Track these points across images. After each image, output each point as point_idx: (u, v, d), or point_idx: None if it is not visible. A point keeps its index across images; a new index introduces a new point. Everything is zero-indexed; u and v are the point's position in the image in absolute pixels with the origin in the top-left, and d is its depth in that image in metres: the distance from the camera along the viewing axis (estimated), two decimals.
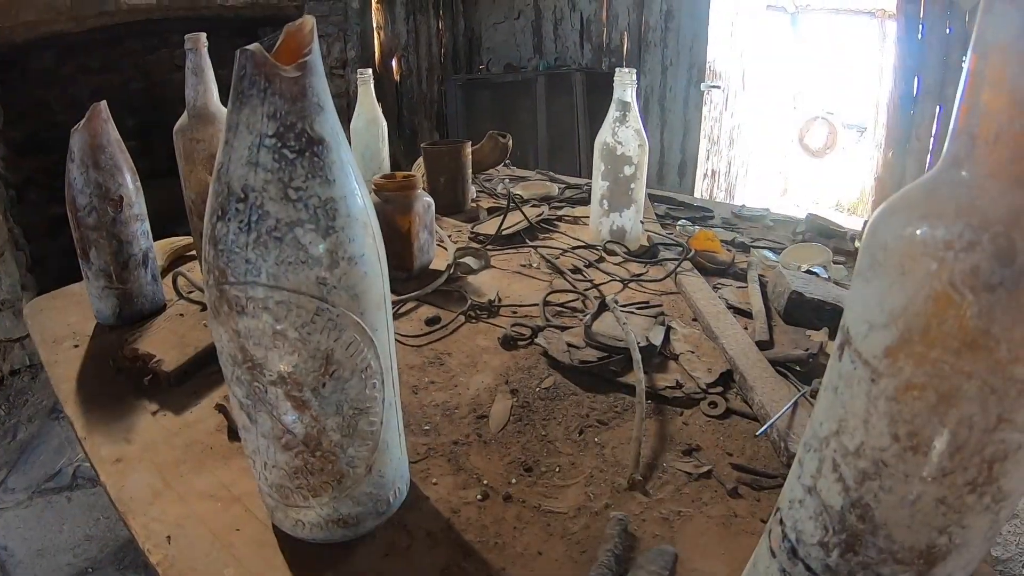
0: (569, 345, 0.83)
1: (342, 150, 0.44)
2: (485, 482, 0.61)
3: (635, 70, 1.16)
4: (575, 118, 3.56)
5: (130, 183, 0.89)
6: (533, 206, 1.51)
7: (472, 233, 1.33)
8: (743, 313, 0.95)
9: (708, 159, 3.55)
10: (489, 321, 0.95)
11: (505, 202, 1.39)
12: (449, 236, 1.28)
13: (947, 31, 2.60)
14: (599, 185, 1.23)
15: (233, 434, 0.68)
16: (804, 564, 0.36)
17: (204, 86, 0.90)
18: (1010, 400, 0.27)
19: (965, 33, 2.55)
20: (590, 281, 1.08)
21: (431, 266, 1.13)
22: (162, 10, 2.72)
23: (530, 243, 1.28)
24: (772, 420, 0.65)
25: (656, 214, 1.48)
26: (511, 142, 1.72)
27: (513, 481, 0.61)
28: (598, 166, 1.22)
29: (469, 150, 1.49)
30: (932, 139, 2.74)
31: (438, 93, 4.31)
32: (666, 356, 0.83)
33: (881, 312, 0.30)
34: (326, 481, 0.49)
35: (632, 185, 1.20)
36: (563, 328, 0.89)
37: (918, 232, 0.28)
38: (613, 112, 1.17)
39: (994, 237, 0.26)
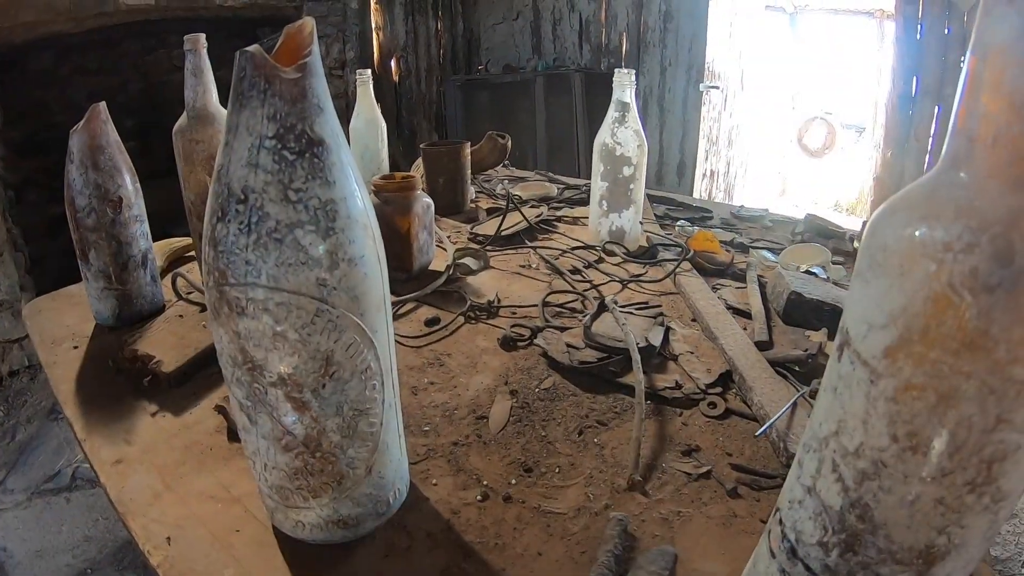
0: (568, 346, 0.83)
1: (342, 151, 0.44)
2: (485, 483, 0.61)
3: (634, 71, 1.16)
4: (574, 119, 3.56)
5: (129, 184, 0.89)
6: (532, 207, 1.51)
7: (471, 234, 1.33)
8: (742, 314, 0.95)
9: (707, 159, 3.55)
10: (488, 322, 0.95)
11: (504, 203, 1.39)
12: (448, 237, 1.28)
13: (945, 31, 2.61)
14: (598, 186, 1.23)
15: (233, 435, 0.68)
16: (804, 564, 0.37)
17: (203, 87, 0.90)
18: (1009, 400, 0.27)
19: (963, 33, 2.55)
20: (589, 282, 1.08)
21: (430, 267, 1.13)
22: (160, 11, 2.72)
23: (529, 244, 1.28)
24: (771, 420, 0.65)
25: (655, 215, 1.48)
26: (510, 143, 1.72)
27: (513, 482, 0.61)
28: (597, 167, 1.22)
29: (468, 151, 1.49)
30: (931, 139, 2.74)
31: (437, 94, 4.31)
32: (665, 357, 0.83)
33: (880, 313, 0.30)
34: (326, 482, 0.49)
35: (631, 186, 1.20)
36: (562, 329, 0.89)
37: (917, 233, 0.29)
38: (612, 113, 1.17)
39: (993, 238, 0.26)
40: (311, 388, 0.46)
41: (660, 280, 1.09)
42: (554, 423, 0.70)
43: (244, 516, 0.56)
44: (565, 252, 1.22)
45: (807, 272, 1.06)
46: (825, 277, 1.06)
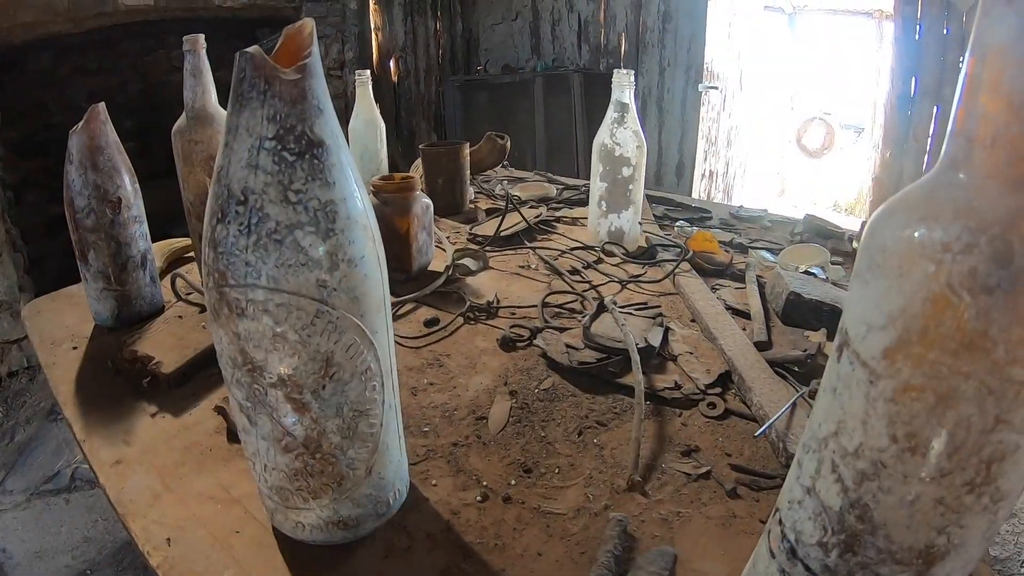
0: (568, 346, 0.83)
1: (342, 152, 0.44)
2: (484, 483, 0.61)
3: (633, 71, 1.16)
4: (573, 119, 3.56)
5: (128, 185, 0.89)
6: (531, 207, 1.51)
7: (470, 234, 1.33)
8: (741, 314, 0.95)
9: (706, 160, 3.55)
10: (488, 322, 0.95)
11: (503, 203, 1.39)
12: (447, 237, 1.28)
13: (944, 32, 2.61)
14: (597, 186, 1.23)
15: (232, 436, 0.68)
16: (803, 564, 0.37)
17: (202, 88, 0.90)
18: (1008, 401, 0.27)
19: (962, 34, 2.55)
20: (588, 282, 1.08)
21: (430, 267, 1.13)
22: (159, 11, 2.71)
23: (528, 244, 1.28)
24: (771, 421, 0.65)
25: (654, 215, 1.48)
26: (509, 143, 1.72)
27: (512, 482, 0.61)
28: (596, 167, 1.22)
29: (467, 151, 1.49)
30: (929, 139, 2.74)
31: (436, 94, 4.31)
32: (665, 357, 0.83)
33: (879, 314, 0.30)
34: (326, 483, 0.49)
35: (630, 186, 1.20)
36: (562, 329, 0.89)
37: (916, 234, 0.29)
38: (611, 113, 1.17)
39: (991, 239, 0.26)
40: (311, 389, 0.46)
41: (659, 280, 1.09)
42: (554, 424, 0.70)
43: (244, 517, 0.56)
44: (564, 253, 1.23)
45: (806, 272, 1.06)
46: (824, 277, 1.06)
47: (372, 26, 3.86)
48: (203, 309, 0.96)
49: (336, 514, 0.51)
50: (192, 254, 1.21)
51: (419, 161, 1.53)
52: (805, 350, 0.81)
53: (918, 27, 2.69)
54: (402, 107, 4.21)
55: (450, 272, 1.08)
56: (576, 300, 1.01)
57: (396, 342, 0.73)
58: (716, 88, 3.39)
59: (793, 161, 5.47)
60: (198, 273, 1.09)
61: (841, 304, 0.89)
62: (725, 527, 0.55)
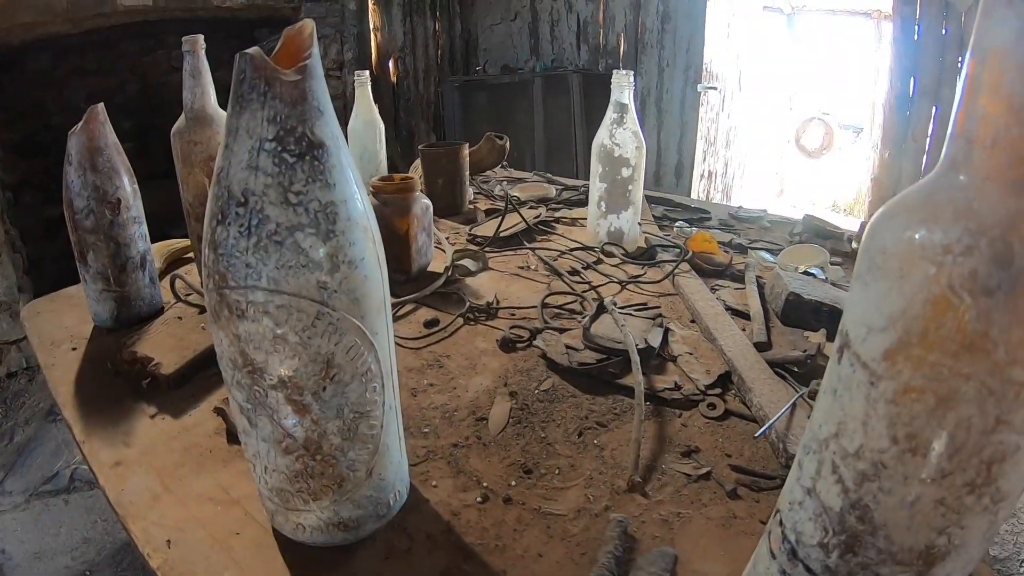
0: (568, 347, 0.83)
1: (342, 154, 0.44)
2: (485, 484, 0.61)
3: (632, 72, 1.16)
4: (572, 119, 3.56)
5: (127, 186, 0.89)
6: (531, 208, 1.51)
7: (470, 235, 1.33)
8: (741, 314, 0.95)
9: (705, 160, 3.56)
10: (487, 323, 0.95)
11: (503, 204, 1.39)
12: (447, 238, 1.28)
13: (943, 32, 2.61)
14: (597, 187, 1.23)
15: (232, 437, 0.68)
16: (804, 565, 0.37)
17: (202, 88, 0.90)
18: (1008, 402, 0.28)
19: (961, 34, 2.56)
20: (588, 283, 1.08)
21: (429, 268, 1.13)
22: (158, 11, 2.71)
23: (528, 245, 1.29)
24: (771, 421, 0.65)
25: (653, 215, 1.48)
26: (508, 144, 1.72)
27: (513, 483, 0.61)
28: (595, 168, 1.22)
29: (467, 152, 1.49)
30: (928, 139, 2.74)
31: (435, 95, 4.31)
32: (664, 358, 0.84)
33: (880, 315, 0.30)
34: (326, 485, 0.49)
35: (630, 187, 1.20)
36: (561, 330, 0.89)
37: (917, 236, 0.29)
38: (611, 114, 1.17)
39: (992, 241, 0.26)
40: (312, 391, 0.46)
41: (659, 281, 1.09)
42: (554, 424, 0.70)
43: (244, 518, 0.56)
44: (564, 253, 1.23)
45: (805, 273, 1.06)
46: (823, 278, 1.06)
47: (371, 26, 3.86)
48: (202, 310, 0.96)
49: (336, 515, 0.51)
50: (191, 255, 1.21)
51: (418, 162, 1.53)
52: (805, 351, 0.81)
53: (917, 27, 2.69)
54: (401, 108, 4.21)
55: (449, 273, 1.08)
56: (576, 301, 1.01)
57: (396, 343, 0.73)
58: (715, 88, 3.39)
59: (792, 161, 5.48)
60: (197, 274, 1.09)
61: (840, 304, 0.90)
62: (725, 528, 0.55)
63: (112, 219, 0.87)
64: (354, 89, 1.58)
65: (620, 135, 1.17)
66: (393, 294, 0.96)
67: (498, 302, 0.99)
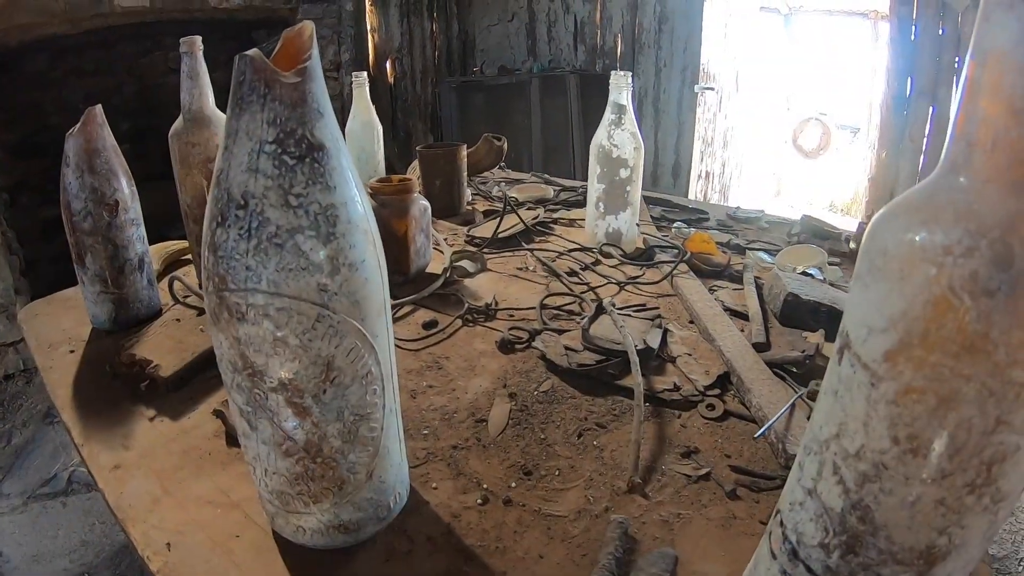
0: (567, 348, 0.83)
1: (342, 156, 0.44)
2: (485, 486, 0.61)
3: (630, 73, 1.16)
4: (569, 120, 3.56)
5: (125, 187, 0.89)
6: (529, 209, 1.51)
7: (468, 236, 1.33)
8: (740, 315, 0.95)
9: (702, 161, 3.56)
10: (486, 324, 0.95)
11: (501, 205, 1.39)
12: (445, 239, 1.28)
13: (940, 32, 2.62)
14: (595, 188, 1.23)
15: (231, 439, 0.67)
16: (805, 565, 0.37)
17: (199, 90, 0.90)
18: (1008, 403, 0.28)
19: (958, 34, 2.56)
20: (586, 284, 1.09)
21: (427, 270, 1.13)
22: (155, 13, 2.71)
23: (526, 246, 1.29)
24: (770, 422, 0.66)
25: (651, 216, 1.48)
26: (506, 145, 1.72)
27: (513, 485, 0.61)
28: (594, 169, 1.22)
29: (465, 153, 1.49)
30: (925, 139, 2.75)
31: (432, 96, 4.31)
32: (664, 359, 0.84)
33: (880, 316, 0.30)
34: (327, 487, 0.49)
35: (628, 188, 1.20)
36: (560, 331, 0.89)
37: (917, 237, 0.29)
38: (609, 115, 1.17)
39: (992, 242, 0.26)
40: (312, 393, 0.45)
41: (657, 282, 1.09)
42: (553, 426, 0.70)
43: (244, 521, 0.56)
44: (562, 254, 1.23)
45: (804, 273, 1.06)
46: (822, 278, 1.06)
47: (368, 27, 3.86)
48: (201, 312, 0.96)
49: (337, 518, 0.51)
50: (189, 256, 1.21)
51: (416, 163, 1.53)
52: (803, 351, 0.81)
53: (913, 27, 2.70)
54: (398, 109, 4.21)
55: (448, 274, 1.08)
56: (574, 302, 1.01)
57: (395, 345, 0.73)
58: (712, 89, 3.40)
59: (789, 162, 5.49)
60: (196, 275, 1.08)
61: (839, 305, 0.90)
62: (725, 528, 0.55)
63: (110, 221, 0.87)
64: (351, 90, 1.58)
65: (618, 136, 1.17)
66: (392, 296, 0.96)
67: (497, 303, 0.99)
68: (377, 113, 1.60)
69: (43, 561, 1.65)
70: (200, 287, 0.96)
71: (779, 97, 5.45)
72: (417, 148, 1.49)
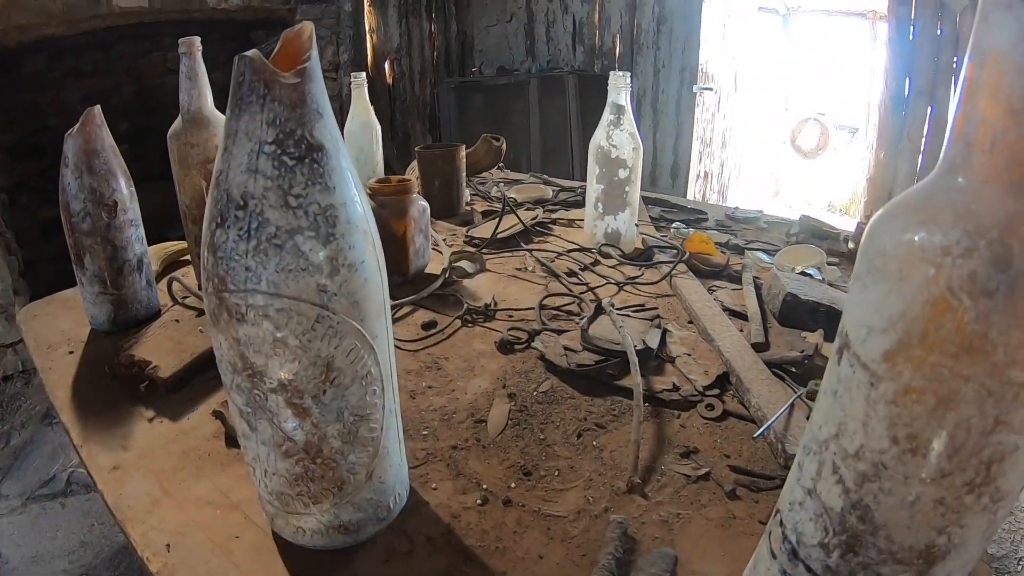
0: (566, 349, 0.84)
1: (341, 156, 0.44)
2: (484, 487, 0.61)
3: (629, 73, 1.16)
4: (568, 121, 3.56)
5: (124, 188, 0.89)
6: (527, 209, 1.51)
7: (467, 237, 1.33)
8: (739, 315, 0.95)
9: (701, 161, 3.56)
10: (485, 325, 0.95)
11: (500, 205, 1.39)
12: (444, 240, 1.28)
13: (938, 32, 2.62)
14: (593, 188, 1.23)
15: (231, 440, 0.67)
16: (805, 565, 0.37)
17: (198, 90, 0.90)
18: (1007, 403, 0.28)
19: (956, 34, 2.57)
20: (585, 284, 1.09)
21: (426, 270, 1.13)
22: (154, 13, 2.71)
23: (525, 246, 1.29)
24: (769, 422, 0.66)
25: (650, 216, 1.48)
26: (504, 145, 1.72)
27: (512, 485, 0.61)
28: (592, 169, 1.22)
29: (463, 153, 1.49)
30: (924, 140, 2.75)
31: (431, 96, 4.31)
32: (663, 359, 0.84)
33: (880, 317, 0.30)
34: (327, 488, 0.49)
35: (627, 188, 1.20)
36: (560, 332, 0.89)
37: (916, 238, 0.29)
38: (607, 115, 1.17)
39: (991, 243, 0.27)
40: (312, 394, 0.45)
41: (656, 282, 1.09)
42: (553, 426, 0.70)
43: (243, 522, 0.56)
44: (561, 255, 1.23)
45: (802, 273, 1.06)
46: (820, 278, 1.06)
47: (367, 28, 3.87)
48: (200, 312, 0.96)
49: (337, 519, 0.51)
50: (188, 257, 1.21)
51: (415, 163, 1.53)
52: (802, 351, 0.81)
53: (912, 28, 2.70)
54: (397, 109, 4.21)
55: (447, 275, 1.08)
56: (574, 302, 1.01)
57: (394, 345, 0.73)
58: (711, 89, 3.40)
59: (788, 162, 5.50)
60: (194, 276, 1.08)
61: (837, 305, 0.90)
62: (725, 528, 0.55)
63: (109, 222, 0.87)
64: (350, 91, 1.58)
65: (617, 136, 1.17)
66: (391, 296, 0.96)
67: (496, 304, 0.99)
68: (376, 114, 1.60)
69: (42, 562, 1.65)
70: (199, 288, 0.96)
71: (777, 97, 5.45)
72: (416, 148, 1.49)
